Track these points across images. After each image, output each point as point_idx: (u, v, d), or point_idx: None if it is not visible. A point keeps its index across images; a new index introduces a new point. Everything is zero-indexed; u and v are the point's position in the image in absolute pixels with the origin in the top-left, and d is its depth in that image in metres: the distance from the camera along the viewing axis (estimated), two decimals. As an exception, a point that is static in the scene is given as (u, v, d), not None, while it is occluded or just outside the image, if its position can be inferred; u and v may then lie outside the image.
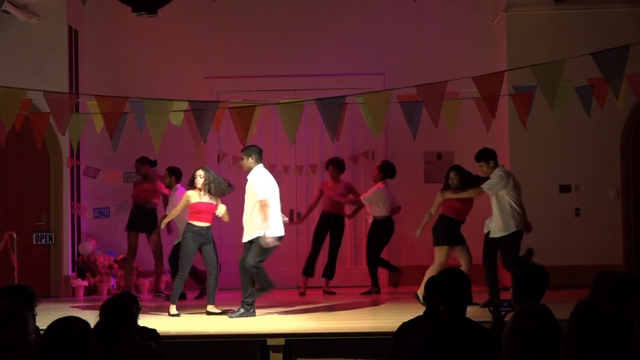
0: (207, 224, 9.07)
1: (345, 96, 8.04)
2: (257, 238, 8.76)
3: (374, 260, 10.86)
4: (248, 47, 11.88)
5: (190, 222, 9.06)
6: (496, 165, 9.14)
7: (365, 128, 9.84)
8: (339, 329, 7.91)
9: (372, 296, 10.64)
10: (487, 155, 9.19)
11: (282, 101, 8.56)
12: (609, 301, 2.80)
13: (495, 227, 9.03)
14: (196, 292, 10.72)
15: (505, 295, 6.67)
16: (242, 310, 8.71)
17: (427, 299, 5.35)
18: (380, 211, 10.79)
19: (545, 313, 3.31)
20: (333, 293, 10.93)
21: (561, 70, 7.48)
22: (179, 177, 10.67)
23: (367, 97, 8.12)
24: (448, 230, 9.24)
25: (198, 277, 10.69)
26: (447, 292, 4.50)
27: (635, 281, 4.36)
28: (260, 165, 8.97)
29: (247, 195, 8.92)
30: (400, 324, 5.26)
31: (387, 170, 10.94)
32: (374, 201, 10.79)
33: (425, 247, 11.61)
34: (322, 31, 11.92)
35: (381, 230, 10.81)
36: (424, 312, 5.38)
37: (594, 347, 2.65)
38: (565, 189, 11.10)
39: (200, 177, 9.05)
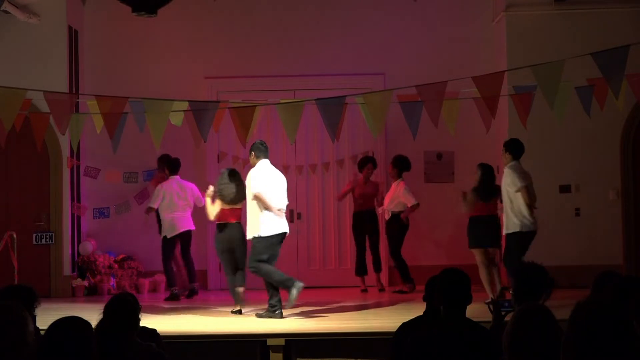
0: None
1: (345, 96, 8.03)
2: (254, 238, 8.73)
3: (399, 257, 10.86)
4: (248, 47, 11.88)
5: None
6: (513, 159, 9.09)
7: (365, 128, 9.85)
8: (339, 329, 7.91)
9: (372, 297, 10.63)
10: (506, 145, 9.18)
11: (282, 101, 8.55)
12: (609, 301, 2.80)
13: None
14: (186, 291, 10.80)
15: (506, 296, 6.68)
16: (267, 312, 8.65)
17: (427, 299, 5.35)
18: (401, 207, 10.83)
19: (546, 313, 3.30)
20: (383, 290, 11.02)
21: (561, 70, 7.48)
22: (172, 168, 10.85)
23: (367, 97, 8.11)
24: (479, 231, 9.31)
25: (192, 276, 10.71)
26: (447, 292, 4.49)
27: (635, 281, 4.36)
28: (263, 161, 8.84)
29: (247, 193, 8.90)
30: (400, 324, 5.26)
31: (401, 165, 10.96)
32: (408, 199, 10.83)
33: (420, 248, 11.64)
34: (322, 31, 11.91)
35: (400, 225, 10.85)
36: (424, 312, 5.37)
37: (594, 347, 2.64)
38: (565, 189, 11.09)
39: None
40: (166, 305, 9.95)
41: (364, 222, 11.07)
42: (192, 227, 10.83)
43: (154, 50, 11.91)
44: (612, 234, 10.99)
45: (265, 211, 8.65)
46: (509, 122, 10.65)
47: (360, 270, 11.08)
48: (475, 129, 9.56)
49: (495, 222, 9.30)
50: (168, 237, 10.70)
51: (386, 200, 10.97)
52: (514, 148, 9.12)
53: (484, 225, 9.21)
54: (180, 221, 10.71)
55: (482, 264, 9.21)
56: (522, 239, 8.95)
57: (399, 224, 10.85)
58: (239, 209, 9.10)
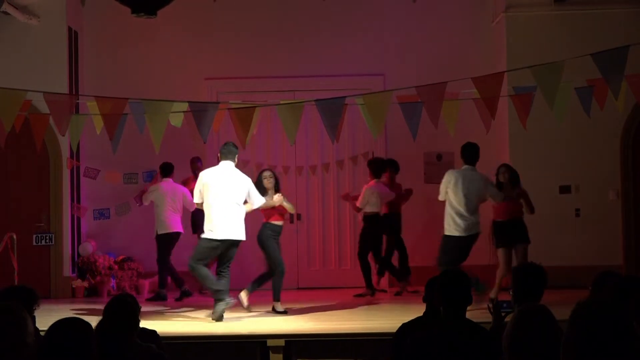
0: (282, 222, 9.32)
1: (345, 97, 8.03)
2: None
3: (364, 260, 10.70)
4: (248, 48, 11.88)
5: (273, 222, 9.17)
6: (464, 163, 9.12)
7: (365, 129, 9.84)
8: (339, 329, 7.92)
9: (371, 297, 10.60)
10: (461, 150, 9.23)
11: (282, 102, 8.55)
12: (609, 301, 2.80)
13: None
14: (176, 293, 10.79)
15: (505, 297, 6.67)
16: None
17: (427, 300, 5.35)
18: (371, 208, 10.70)
19: (546, 314, 3.30)
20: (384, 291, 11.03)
21: (561, 70, 7.47)
22: (165, 172, 10.92)
23: (367, 98, 8.11)
24: (497, 234, 9.32)
25: (178, 280, 10.67)
26: (447, 292, 4.49)
27: (635, 281, 4.37)
28: (222, 163, 8.78)
29: None
30: (400, 324, 5.26)
31: (374, 168, 10.83)
32: (368, 201, 10.72)
33: (419, 249, 11.64)
34: (322, 32, 11.92)
35: (371, 227, 10.69)
36: (424, 312, 5.38)
37: (594, 347, 2.64)
38: (565, 189, 11.10)
39: (270, 177, 9.27)
40: (168, 305, 9.95)
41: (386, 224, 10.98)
42: (181, 229, 10.84)
43: (154, 51, 11.91)
44: (612, 234, 11.00)
45: (207, 213, 8.64)
46: (508, 123, 10.65)
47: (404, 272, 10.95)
48: (475, 129, 9.55)
49: (520, 222, 9.32)
50: (159, 233, 10.69)
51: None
52: (464, 153, 9.15)
53: (509, 228, 9.25)
54: (172, 221, 10.71)
55: (504, 263, 9.17)
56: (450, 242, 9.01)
57: (375, 226, 10.72)
58: (271, 208, 9.16)
